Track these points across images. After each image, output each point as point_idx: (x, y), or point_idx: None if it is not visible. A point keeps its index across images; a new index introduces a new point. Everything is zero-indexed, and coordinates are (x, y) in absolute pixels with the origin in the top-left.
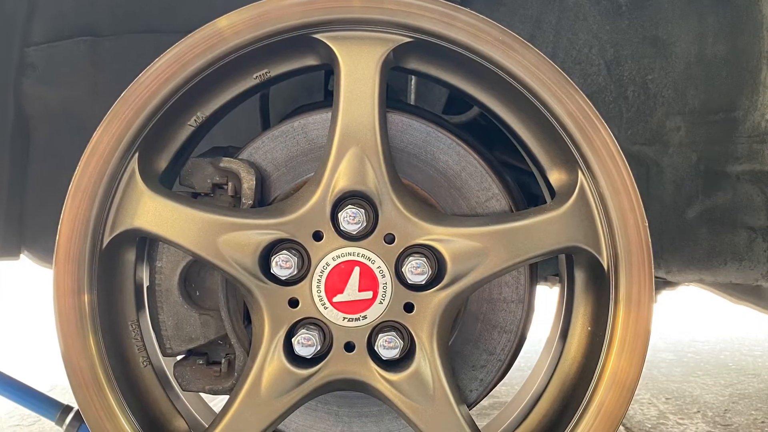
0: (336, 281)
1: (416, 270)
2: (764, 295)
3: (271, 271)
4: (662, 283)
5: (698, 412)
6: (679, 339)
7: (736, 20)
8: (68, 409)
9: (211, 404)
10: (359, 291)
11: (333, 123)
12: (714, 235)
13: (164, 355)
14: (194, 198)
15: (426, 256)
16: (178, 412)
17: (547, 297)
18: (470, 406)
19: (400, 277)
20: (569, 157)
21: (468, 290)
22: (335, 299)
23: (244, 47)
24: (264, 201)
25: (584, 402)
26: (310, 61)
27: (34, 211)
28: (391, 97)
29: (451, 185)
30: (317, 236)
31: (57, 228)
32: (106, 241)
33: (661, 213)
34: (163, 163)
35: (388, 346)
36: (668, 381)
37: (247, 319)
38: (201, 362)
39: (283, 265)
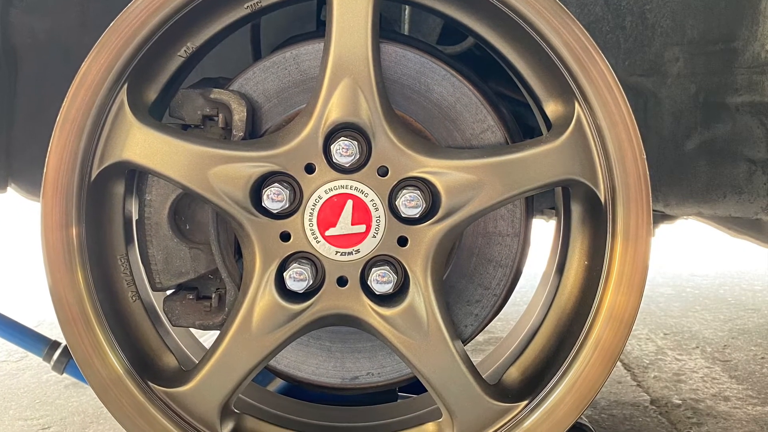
0: (328, 215)
1: (410, 203)
2: (764, 228)
3: (263, 204)
4: (660, 217)
5: (697, 347)
6: (678, 273)
7: None
8: (56, 344)
9: (201, 339)
10: (352, 224)
11: (325, 54)
12: (713, 167)
13: (154, 289)
14: (184, 130)
15: (420, 189)
16: (168, 347)
17: (543, 230)
18: (465, 342)
19: (393, 210)
20: (566, 88)
21: (463, 224)
22: (328, 233)
23: None
24: (255, 133)
25: (581, 337)
26: None
27: (22, 143)
28: (385, 28)
29: (445, 117)
30: (309, 169)
31: (45, 160)
32: (94, 173)
33: (659, 145)
34: (152, 94)
35: (382, 280)
36: (666, 316)
37: (238, 253)
38: (191, 297)
39: (274, 198)
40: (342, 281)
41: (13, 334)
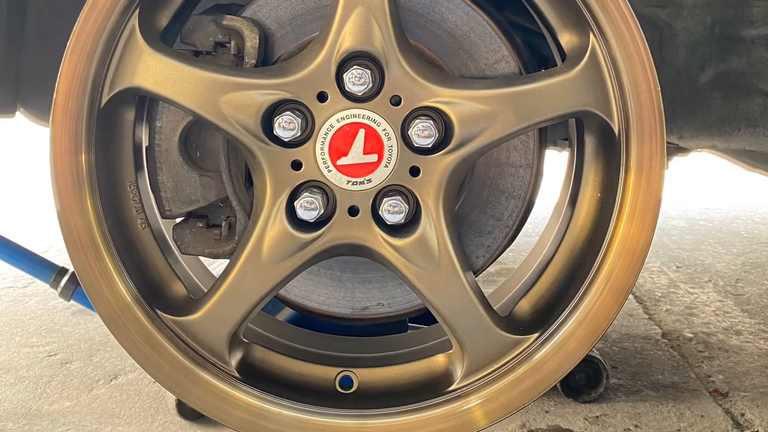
0: (340, 143)
1: (423, 133)
2: None
3: (274, 132)
4: (674, 149)
5: (709, 281)
6: (691, 206)
7: None
8: (63, 271)
9: (210, 268)
10: (364, 154)
11: None
12: (728, 100)
13: (163, 217)
14: (196, 56)
15: (433, 119)
16: (177, 275)
17: (556, 161)
18: (476, 273)
19: (406, 139)
20: (581, 18)
21: (475, 154)
22: (339, 162)
23: None
24: (267, 60)
25: (593, 270)
26: None
27: (31, 67)
28: None
29: (459, 46)
30: (322, 97)
31: (54, 85)
32: (104, 99)
33: (673, 78)
34: (164, 20)
35: (393, 210)
36: (679, 249)
37: (249, 181)
38: (201, 225)
39: (286, 126)
40: (353, 211)
41: (20, 260)
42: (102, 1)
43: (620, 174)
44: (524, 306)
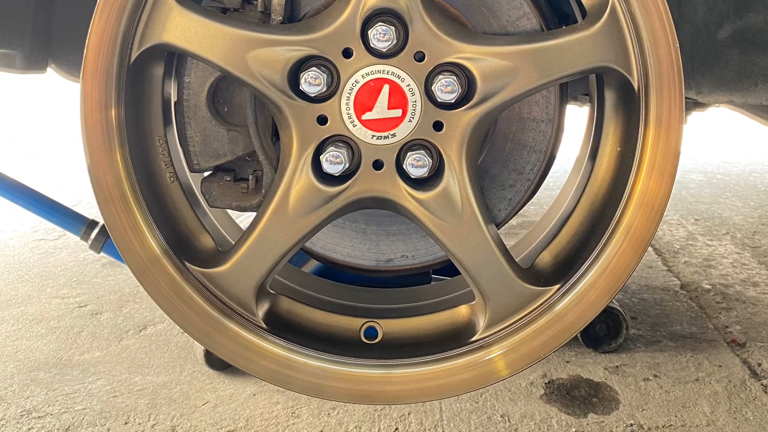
0: (365, 99)
1: (446, 88)
2: None
3: (300, 87)
4: (692, 104)
5: (727, 233)
6: (709, 160)
7: None
8: (94, 224)
9: (237, 221)
10: (388, 109)
11: None
12: (745, 56)
13: (191, 170)
14: (223, 13)
15: (456, 75)
16: (205, 228)
17: (577, 116)
18: (498, 226)
19: (429, 95)
20: None
21: (497, 109)
22: (364, 117)
23: None
24: (293, 17)
25: (613, 223)
26: None
27: (62, 23)
28: None
29: (481, 3)
30: (347, 53)
31: (84, 41)
32: (134, 55)
33: (692, 34)
34: None
35: (417, 164)
36: (697, 202)
37: (276, 135)
38: (228, 179)
39: (312, 81)
40: (378, 165)
41: (52, 213)
42: None
43: (639, 129)
44: (545, 258)
